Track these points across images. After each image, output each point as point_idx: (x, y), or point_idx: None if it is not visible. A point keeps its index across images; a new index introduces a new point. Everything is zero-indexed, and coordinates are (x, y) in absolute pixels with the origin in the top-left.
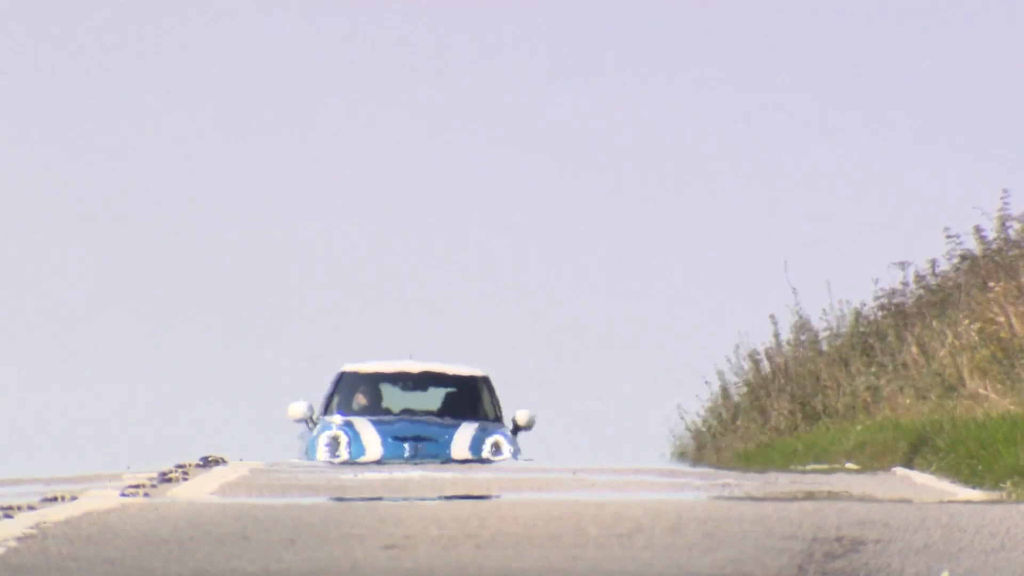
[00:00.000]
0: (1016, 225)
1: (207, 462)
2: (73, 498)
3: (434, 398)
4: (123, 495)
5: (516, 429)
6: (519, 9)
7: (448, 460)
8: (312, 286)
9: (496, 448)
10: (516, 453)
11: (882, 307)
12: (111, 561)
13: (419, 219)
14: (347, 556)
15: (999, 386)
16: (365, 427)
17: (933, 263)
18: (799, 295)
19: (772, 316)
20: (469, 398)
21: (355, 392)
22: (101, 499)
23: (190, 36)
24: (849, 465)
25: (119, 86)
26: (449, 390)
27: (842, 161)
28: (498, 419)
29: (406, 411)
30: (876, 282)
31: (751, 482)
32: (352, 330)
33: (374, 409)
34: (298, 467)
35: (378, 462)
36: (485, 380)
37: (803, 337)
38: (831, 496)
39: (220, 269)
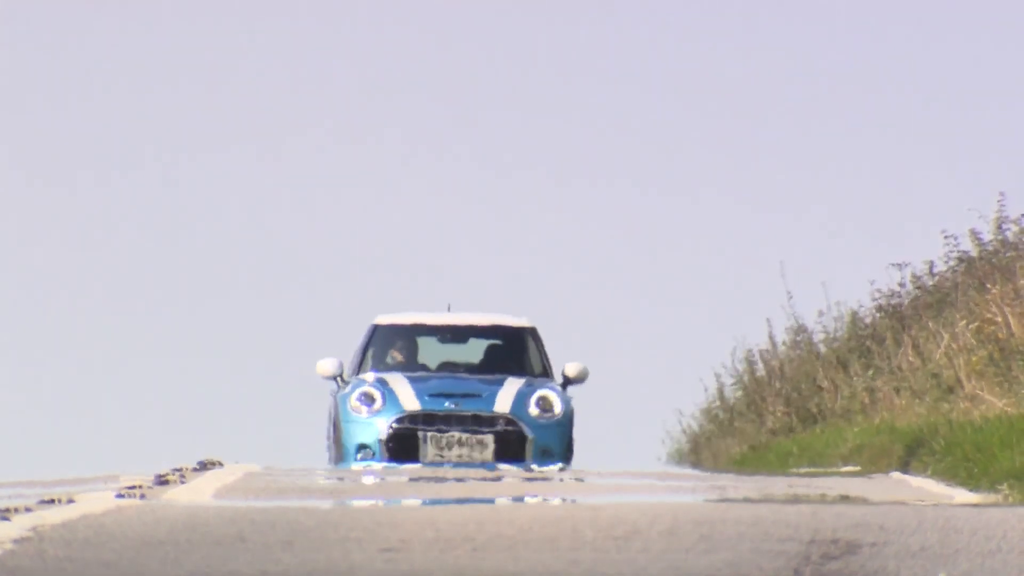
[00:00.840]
0: (1013, 227)
1: (204, 465)
2: (70, 500)
3: (475, 351)
4: (119, 497)
5: (566, 383)
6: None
7: (492, 416)
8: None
9: (544, 403)
10: (567, 408)
11: (879, 308)
12: (107, 564)
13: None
14: (344, 559)
15: (996, 388)
16: (400, 383)
17: (930, 265)
18: (795, 297)
19: (768, 319)
20: (514, 351)
21: (389, 346)
22: (98, 502)
23: (185, 30)
24: (845, 468)
25: (122, 83)
26: (492, 342)
27: (838, 163)
28: (546, 373)
29: (445, 365)
30: (872, 283)
31: (747, 485)
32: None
33: (410, 364)
34: (295, 471)
35: (414, 418)
36: (531, 331)
37: (799, 338)
38: (827, 499)
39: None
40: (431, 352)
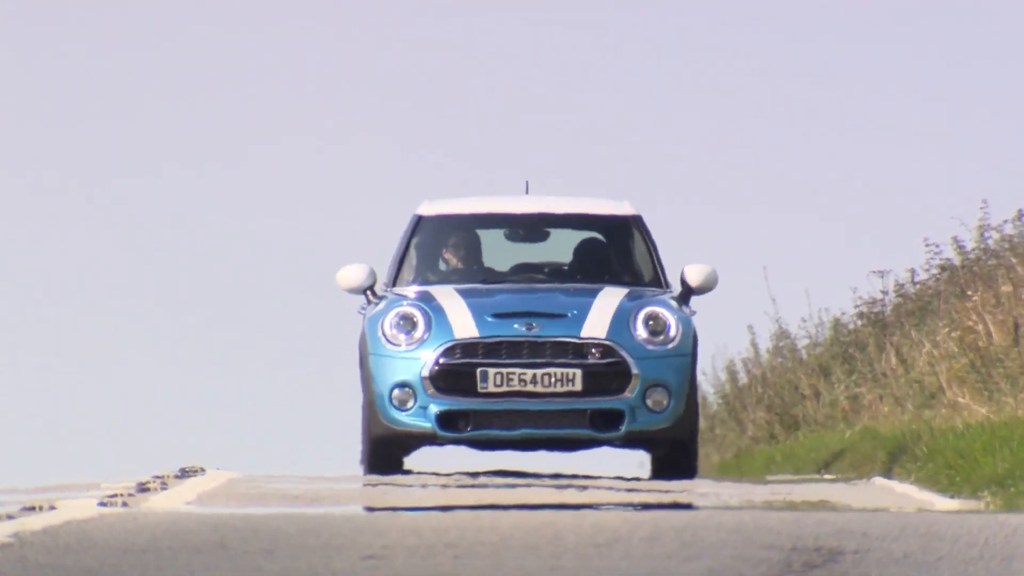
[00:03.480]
0: (995, 235)
1: (185, 472)
2: (52, 507)
3: (560, 250)
4: (101, 505)
5: (687, 293)
6: None
7: (581, 344)
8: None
9: (654, 324)
10: (687, 330)
11: (861, 315)
12: (89, 571)
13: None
14: (326, 566)
15: (977, 395)
16: (452, 300)
17: (912, 272)
18: (778, 304)
19: (750, 326)
20: (613, 250)
21: (440, 246)
22: (80, 509)
23: (184, 27)
24: (828, 475)
25: (118, 86)
26: (584, 237)
27: (821, 169)
28: (658, 280)
29: (519, 270)
30: (855, 291)
31: (729, 492)
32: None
33: (469, 270)
34: (276, 477)
35: (470, 348)
36: (636, 222)
37: (782, 344)
38: (809, 506)
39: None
40: (499, 253)
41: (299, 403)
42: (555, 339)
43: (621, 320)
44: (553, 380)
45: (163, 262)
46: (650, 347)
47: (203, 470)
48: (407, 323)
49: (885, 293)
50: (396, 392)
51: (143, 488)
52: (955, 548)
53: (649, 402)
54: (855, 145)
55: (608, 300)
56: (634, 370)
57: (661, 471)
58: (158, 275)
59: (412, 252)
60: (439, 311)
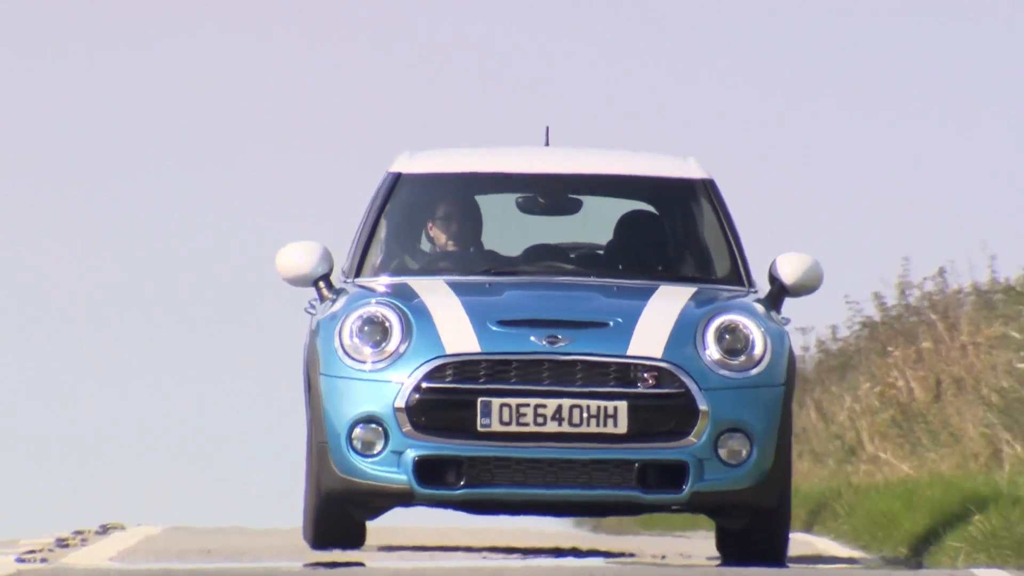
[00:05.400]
0: (916, 292)
1: (105, 528)
2: None
3: (595, 227)
4: (20, 561)
5: (780, 294)
6: None
7: (626, 365)
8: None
9: (732, 339)
10: (780, 348)
11: None
12: None
13: None
14: None
15: (899, 450)
16: (440, 298)
17: (833, 329)
18: None
19: None
20: (674, 229)
21: (424, 218)
22: None
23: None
24: None
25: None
26: (630, 210)
27: (741, 227)
28: (738, 275)
29: (537, 254)
30: None
31: (652, 546)
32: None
33: (467, 254)
34: (197, 531)
35: (465, 368)
36: (707, 188)
37: None
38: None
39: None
40: (508, 230)
41: (243, 448)
42: (590, 358)
43: (685, 332)
44: (586, 417)
45: (96, 288)
46: (726, 372)
47: (124, 526)
48: (376, 330)
49: (807, 349)
50: (358, 430)
51: (62, 544)
52: None
53: (723, 452)
54: (775, 201)
55: (666, 303)
56: (702, 405)
57: (736, 551)
58: (88, 306)
59: (384, 227)
60: (422, 313)
